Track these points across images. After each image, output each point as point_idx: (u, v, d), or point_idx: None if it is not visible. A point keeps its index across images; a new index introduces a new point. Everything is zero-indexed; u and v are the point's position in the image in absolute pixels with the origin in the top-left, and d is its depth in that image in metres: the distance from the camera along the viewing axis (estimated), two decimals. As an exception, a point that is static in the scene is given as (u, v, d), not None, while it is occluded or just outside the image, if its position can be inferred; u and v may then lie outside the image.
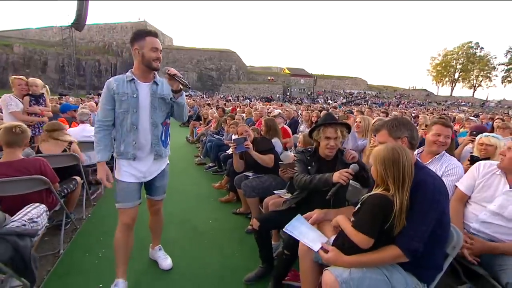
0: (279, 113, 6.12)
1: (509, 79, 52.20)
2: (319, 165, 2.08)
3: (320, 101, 39.16)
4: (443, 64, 58.30)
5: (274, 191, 2.83)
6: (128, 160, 1.92)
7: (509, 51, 51.45)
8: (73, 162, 3.00)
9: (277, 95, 44.49)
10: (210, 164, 5.42)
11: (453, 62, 57.38)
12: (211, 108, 9.69)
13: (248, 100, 33.18)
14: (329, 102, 37.75)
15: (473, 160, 2.32)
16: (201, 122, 9.05)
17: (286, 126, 5.02)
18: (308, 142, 2.94)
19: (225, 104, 14.84)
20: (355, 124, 3.68)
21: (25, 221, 1.88)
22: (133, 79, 1.88)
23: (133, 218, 2.02)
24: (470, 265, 1.79)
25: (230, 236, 2.96)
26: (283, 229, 1.63)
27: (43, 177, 2.24)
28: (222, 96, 37.87)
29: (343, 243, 1.50)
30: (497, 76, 54.34)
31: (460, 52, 56.54)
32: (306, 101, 37.86)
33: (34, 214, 1.98)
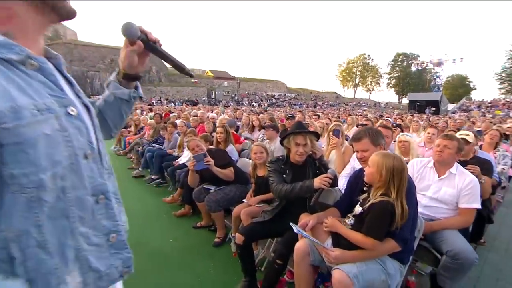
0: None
1: (391, 85, 67.15)
2: (293, 171, 2.16)
3: (244, 104, 40.34)
4: (347, 71, 69.21)
5: (243, 200, 2.79)
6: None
7: (389, 63, 66.53)
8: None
9: (202, 98, 43.74)
10: (153, 177, 4.91)
11: (354, 69, 69.00)
12: (144, 114, 8.79)
13: (172, 104, 31.52)
14: (253, 104, 39.31)
15: None
16: (129, 129, 8.12)
17: (234, 132, 4.98)
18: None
19: (150, 109, 13.71)
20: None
21: None
22: (28, 56, 0.58)
23: None
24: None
25: (198, 253, 2.77)
26: (296, 231, 1.63)
27: None
28: (145, 99, 34.86)
29: (339, 243, 1.62)
30: (383, 82, 68.77)
31: (358, 61, 68.46)
32: (232, 104, 38.40)
33: None
